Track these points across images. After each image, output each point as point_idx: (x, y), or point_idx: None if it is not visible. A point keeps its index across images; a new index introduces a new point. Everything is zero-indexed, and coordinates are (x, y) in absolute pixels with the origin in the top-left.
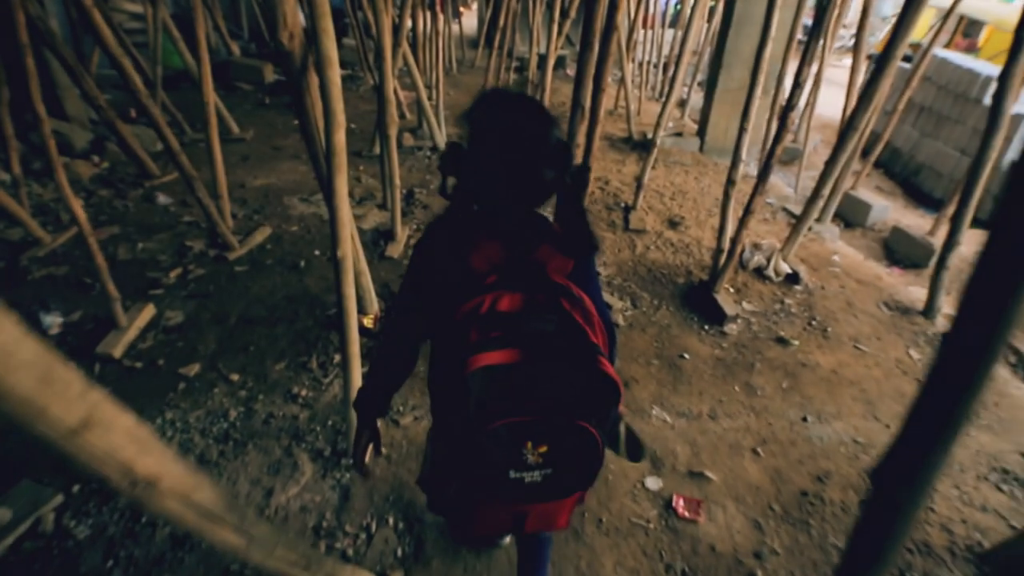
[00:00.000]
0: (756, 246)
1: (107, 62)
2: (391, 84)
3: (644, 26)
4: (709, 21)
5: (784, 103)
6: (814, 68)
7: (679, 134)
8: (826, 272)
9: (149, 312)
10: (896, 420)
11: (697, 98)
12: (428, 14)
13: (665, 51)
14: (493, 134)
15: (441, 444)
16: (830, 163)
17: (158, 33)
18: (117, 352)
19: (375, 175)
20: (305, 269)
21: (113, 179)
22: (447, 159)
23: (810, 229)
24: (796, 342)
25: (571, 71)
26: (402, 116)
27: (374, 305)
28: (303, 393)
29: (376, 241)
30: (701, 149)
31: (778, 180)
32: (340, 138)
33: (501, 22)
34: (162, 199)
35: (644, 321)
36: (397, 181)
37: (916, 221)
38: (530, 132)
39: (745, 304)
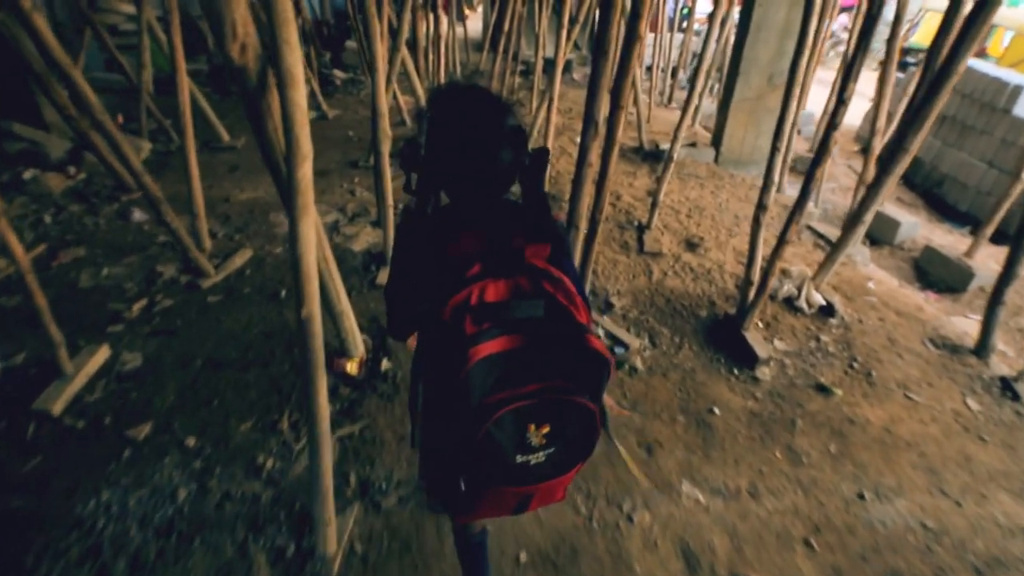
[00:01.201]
0: (785, 273)
1: (92, 65)
2: (384, 94)
3: (651, 30)
4: (723, 27)
5: (797, 111)
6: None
7: (693, 144)
8: (862, 302)
9: (103, 355)
10: (965, 493)
11: (708, 104)
12: (431, 16)
13: (674, 56)
14: (448, 122)
15: (440, 441)
16: (875, 186)
17: (142, 34)
18: (57, 408)
19: (372, 188)
20: (286, 299)
21: (87, 192)
22: (406, 155)
23: None
24: (839, 391)
25: (577, 75)
26: (402, 123)
27: (359, 347)
28: (269, 464)
29: (367, 265)
30: (716, 160)
31: (792, 190)
32: (305, 173)
33: (506, 26)
34: (137, 215)
35: (665, 364)
36: (390, 200)
37: (947, 239)
38: (484, 116)
39: (777, 342)
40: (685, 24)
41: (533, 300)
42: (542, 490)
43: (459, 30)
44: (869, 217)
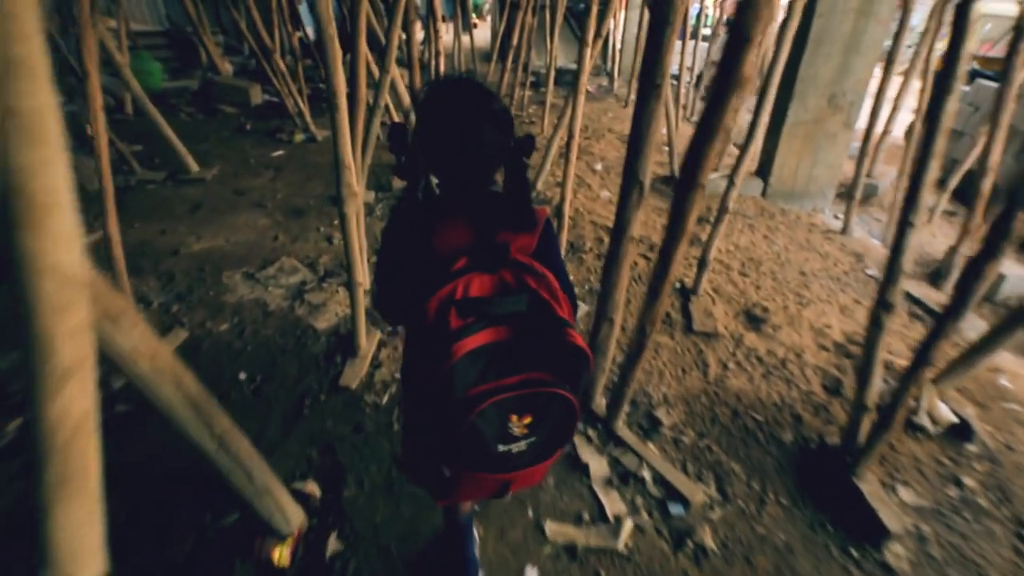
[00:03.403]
0: (890, 368)
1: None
2: (348, 141)
3: None
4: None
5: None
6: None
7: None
8: (1000, 411)
9: None
10: None
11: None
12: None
13: (698, 65)
14: (435, 103)
15: (423, 429)
16: (995, 241)
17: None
18: None
19: None
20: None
21: None
22: (394, 138)
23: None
24: None
25: (591, 87)
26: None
27: (293, 521)
28: None
29: (331, 353)
30: (764, 193)
31: (860, 230)
32: None
33: (515, 38)
34: None
35: (746, 535)
36: (361, 278)
37: None
38: (472, 99)
39: (902, 490)
40: (709, 31)
41: (517, 295)
42: (522, 476)
43: (465, 40)
44: (991, 273)
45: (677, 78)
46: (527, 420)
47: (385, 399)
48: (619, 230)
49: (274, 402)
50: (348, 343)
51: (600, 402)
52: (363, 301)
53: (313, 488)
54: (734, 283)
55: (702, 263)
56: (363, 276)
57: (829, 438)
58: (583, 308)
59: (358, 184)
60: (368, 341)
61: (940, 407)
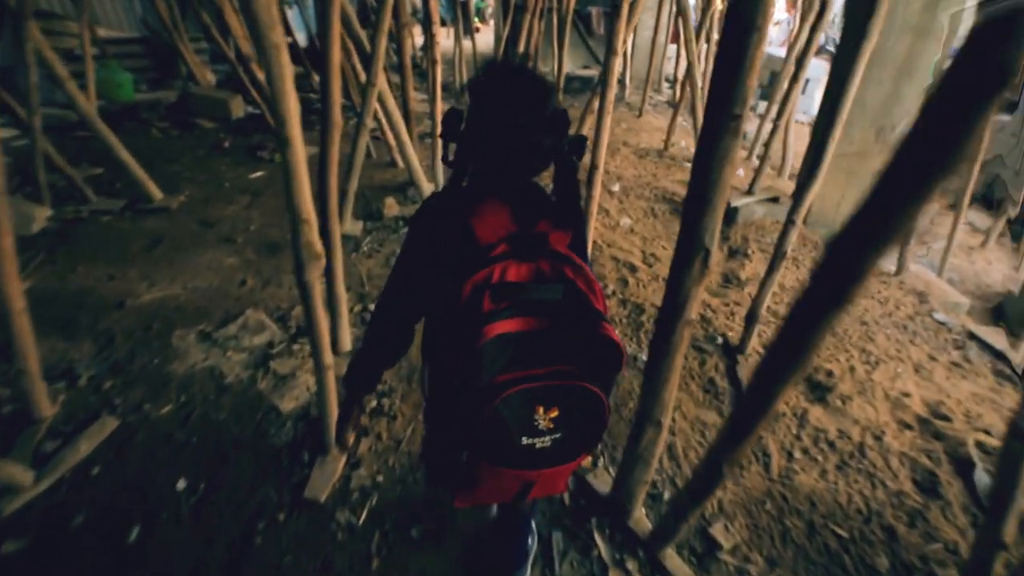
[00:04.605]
0: (983, 448)
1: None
2: (304, 186)
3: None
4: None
5: None
6: None
7: (775, 199)
8: None
9: None
10: None
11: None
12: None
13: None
14: (493, 98)
15: (446, 417)
16: None
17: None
18: None
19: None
20: (137, 545)
21: None
22: (447, 125)
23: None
24: None
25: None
26: (391, 164)
27: None
28: None
29: (296, 447)
30: (804, 220)
31: (918, 266)
32: None
33: (522, 45)
34: None
35: None
36: (328, 359)
37: None
38: (529, 97)
39: None
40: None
41: (553, 284)
42: (545, 477)
43: (467, 44)
44: None
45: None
46: (553, 414)
47: (364, 515)
48: (672, 310)
49: (218, 524)
50: (318, 432)
51: (640, 517)
52: (334, 388)
53: None
54: None
55: (752, 317)
56: (347, 342)
57: (942, 571)
58: None
59: (346, 212)
60: (338, 448)
61: None
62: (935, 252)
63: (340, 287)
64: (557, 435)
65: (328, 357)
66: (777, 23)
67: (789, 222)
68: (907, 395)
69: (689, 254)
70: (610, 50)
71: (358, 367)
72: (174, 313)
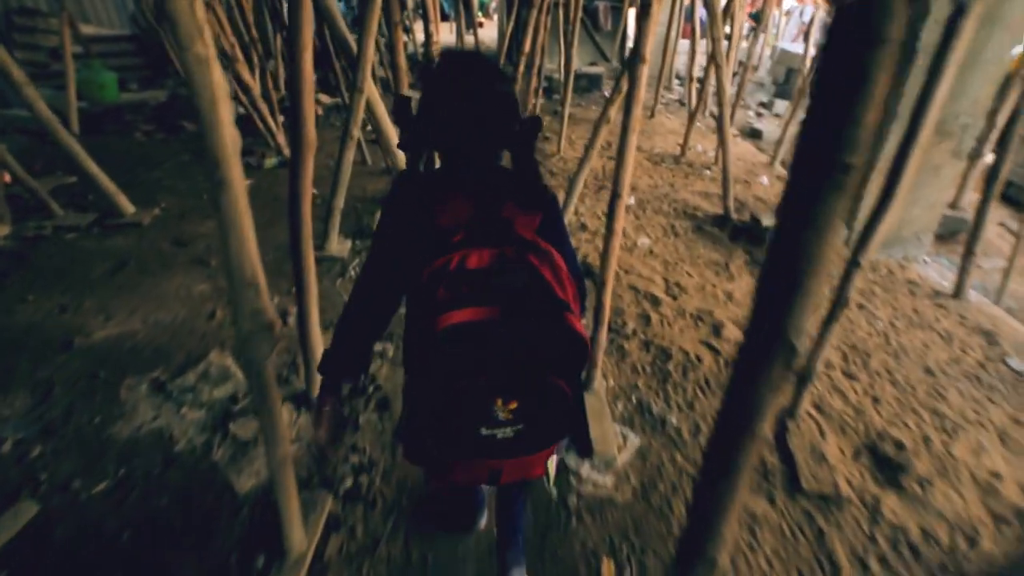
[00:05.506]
0: None
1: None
2: (249, 246)
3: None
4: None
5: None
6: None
7: None
8: None
9: None
10: None
11: (774, 129)
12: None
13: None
14: (443, 81)
15: (415, 401)
16: None
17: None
18: None
19: (323, 292)
20: None
21: None
22: (397, 111)
23: None
24: None
25: (607, 93)
26: (387, 171)
27: None
28: None
29: (251, 546)
30: (846, 239)
31: (934, 273)
32: None
33: (527, 46)
34: None
35: None
36: (286, 450)
37: None
38: (478, 77)
39: None
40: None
41: (516, 271)
42: (511, 465)
43: (469, 39)
44: None
45: (700, 82)
46: (513, 405)
47: None
48: (736, 421)
49: None
50: (277, 525)
51: None
52: (294, 484)
53: None
54: (842, 392)
55: (806, 375)
56: (288, 453)
57: None
58: (632, 440)
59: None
60: (306, 532)
61: None
62: (986, 272)
63: (316, 331)
64: (519, 426)
65: (286, 448)
66: (788, 13)
67: (853, 264)
68: (997, 476)
69: (766, 352)
70: (637, 56)
71: (333, 347)
72: (127, 356)
